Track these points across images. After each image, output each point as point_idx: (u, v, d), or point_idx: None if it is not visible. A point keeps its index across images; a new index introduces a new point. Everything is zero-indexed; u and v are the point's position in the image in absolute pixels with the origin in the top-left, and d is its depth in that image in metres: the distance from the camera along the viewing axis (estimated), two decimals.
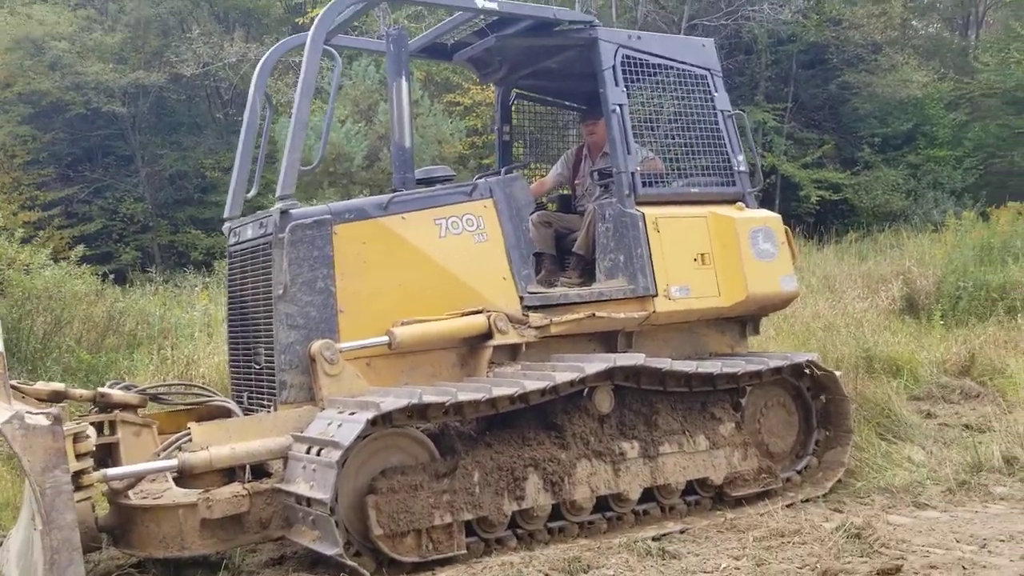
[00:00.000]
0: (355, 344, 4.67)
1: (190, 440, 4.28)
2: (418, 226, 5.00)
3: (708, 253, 5.59)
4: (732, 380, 5.24)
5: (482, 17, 5.60)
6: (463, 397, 4.30)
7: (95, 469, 3.90)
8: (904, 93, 23.71)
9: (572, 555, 4.17)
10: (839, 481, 5.61)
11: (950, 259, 13.59)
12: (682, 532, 4.79)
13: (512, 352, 5.11)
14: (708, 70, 5.97)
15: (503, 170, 5.60)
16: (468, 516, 4.33)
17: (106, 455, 4.52)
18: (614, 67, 5.54)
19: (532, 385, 4.48)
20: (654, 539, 4.57)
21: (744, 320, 6.00)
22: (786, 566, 4.11)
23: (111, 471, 4.00)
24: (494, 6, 5.29)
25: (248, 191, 5.48)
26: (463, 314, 4.98)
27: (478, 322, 4.97)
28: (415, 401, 4.15)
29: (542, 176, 6.78)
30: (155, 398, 5.10)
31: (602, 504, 4.86)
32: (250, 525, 4.20)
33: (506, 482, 4.45)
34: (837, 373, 5.74)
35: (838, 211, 23.14)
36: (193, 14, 22.22)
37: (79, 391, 4.50)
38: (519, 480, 4.48)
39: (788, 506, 5.27)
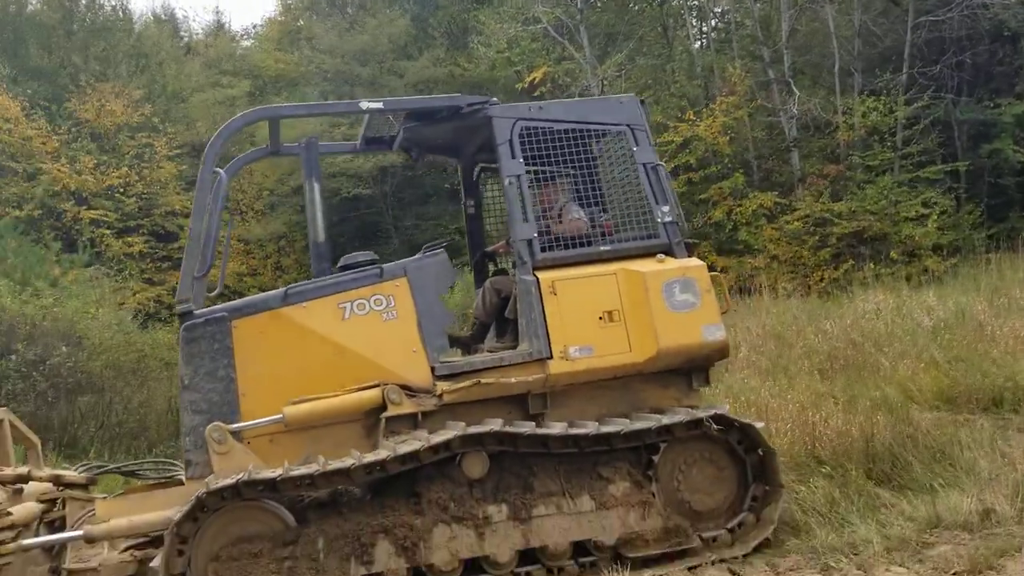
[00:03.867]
0: (247, 424, 5.35)
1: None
2: (319, 312, 5.58)
3: (617, 310, 5.59)
4: (600, 441, 5.22)
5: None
6: (293, 473, 4.83)
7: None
8: None
9: None
10: (767, 540, 5.31)
11: None
12: None
13: (413, 421, 5.49)
14: (628, 125, 5.98)
15: (424, 248, 6.00)
16: None
17: (62, 526, 5.58)
18: (510, 141, 5.79)
19: (368, 458, 4.91)
20: None
21: (688, 372, 5.85)
22: None
23: (26, 541, 5.04)
24: (379, 105, 5.82)
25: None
26: (358, 389, 5.48)
27: (371, 396, 5.44)
28: (243, 479, 4.76)
29: None
30: (133, 474, 6.15)
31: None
32: None
33: (352, 548, 4.87)
34: (758, 425, 5.43)
35: None
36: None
37: (41, 472, 5.63)
38: (366, 546, 4.88)
39: (691, 568, 5.12)
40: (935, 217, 18.51)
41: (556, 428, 5.20)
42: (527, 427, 5.20)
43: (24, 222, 21.04)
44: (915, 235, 18.47)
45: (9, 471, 5.47)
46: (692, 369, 5.84)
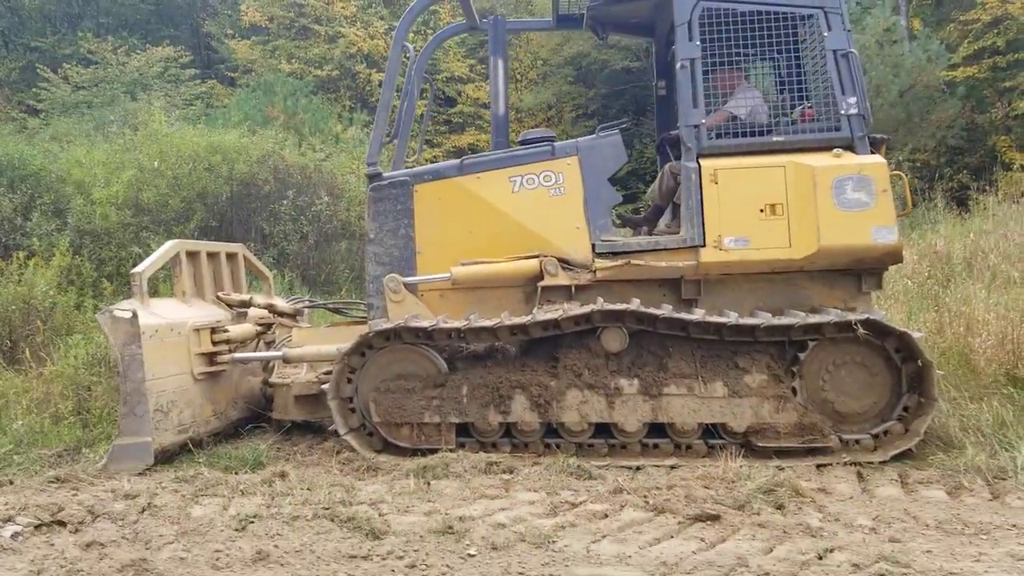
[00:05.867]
0: (420, 279, 5.93)
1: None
2: (491, 183, 5.96)
3: (781, 204, 5.48)
4: (741, 332, 5.22)
5: None
6: (442, 325, 5.35)
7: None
8: None
9: (494, 459, 5.02)
10: (909, 451, 5.15)
11: None
12: (638, 469, 5.13)
13: (567, 292, 5.81)
14: (820, 8, 5.65)
15: (598, 128, 6.10)
16: (455, 420, 5.39)
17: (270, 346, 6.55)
18: (689, 22, 5.69)
19: (510, 320, 5.32)
20: (601, 466, 5.08)
21: (859, 274, 5.64)
22: (653, 499, 4.38)
23: (237, 355, 6.02)
24: None
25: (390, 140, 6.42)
26: (519, 258, 5.85)
27: (529, 265, 5.81)
28: (400, 324, 5.36)
29: None
30: (338, 311, 7.03)
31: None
32: (326, 403, 5.81)
33: (491, 397, 5.36)
34: (916, 335, 5.15)
35: None
36: None
37: (261, 300, 6.59)
38: (504, 398, 5.35)
39: (819, 466, 5.11)
40: None
41: (695, 314, 5.29)
42: (665, 310, 5.34)
43: (324, 81, 23.18)
44: None
45: (236, 297, 6.49)
46: (863, 271, 5.62)
